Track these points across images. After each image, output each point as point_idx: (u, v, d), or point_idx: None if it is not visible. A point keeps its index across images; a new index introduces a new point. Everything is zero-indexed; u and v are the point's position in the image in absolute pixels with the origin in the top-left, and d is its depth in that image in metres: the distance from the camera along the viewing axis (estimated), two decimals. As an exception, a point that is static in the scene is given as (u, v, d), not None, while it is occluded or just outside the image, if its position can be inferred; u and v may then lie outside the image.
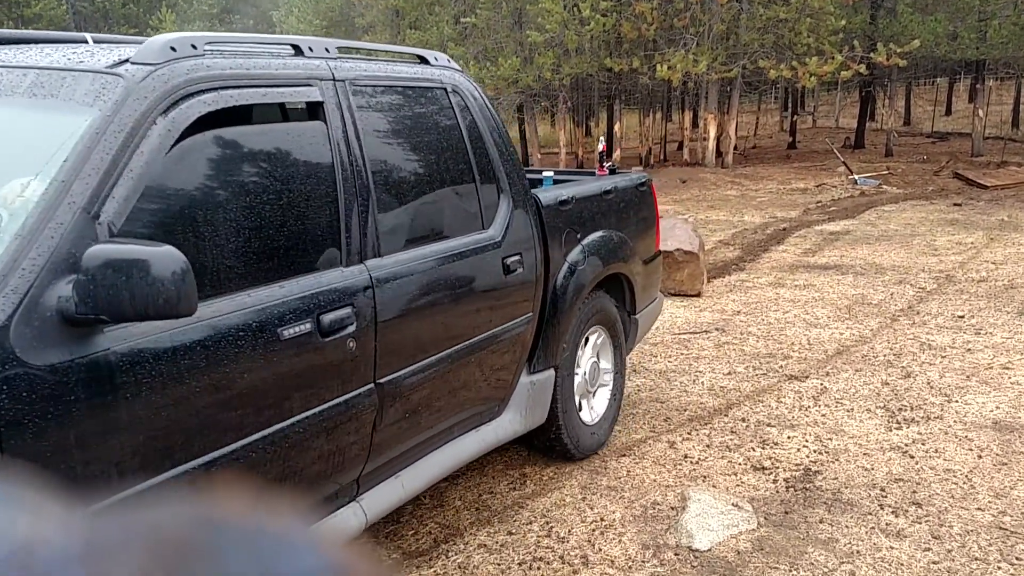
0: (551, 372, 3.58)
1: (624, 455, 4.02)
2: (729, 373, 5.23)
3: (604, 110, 23.96)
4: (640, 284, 4.28)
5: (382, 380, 2.60)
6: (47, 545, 0.29)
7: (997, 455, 3.88)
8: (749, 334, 6.10)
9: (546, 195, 3.60)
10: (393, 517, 2.91)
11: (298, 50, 2.61)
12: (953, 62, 25.60)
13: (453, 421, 3.13)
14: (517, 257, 3.24)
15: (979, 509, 3.39)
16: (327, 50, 2.68)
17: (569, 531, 3.33)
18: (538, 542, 3.26)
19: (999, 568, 2.96)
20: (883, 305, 6.82)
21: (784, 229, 11.16)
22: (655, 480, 3.75)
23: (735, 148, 20.69)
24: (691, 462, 3.93)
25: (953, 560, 3.02)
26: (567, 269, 3.60)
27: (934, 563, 3.01)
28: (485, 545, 3.23)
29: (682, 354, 5.66)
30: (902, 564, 3.01)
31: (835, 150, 19.78)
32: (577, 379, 3.86)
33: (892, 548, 3.12)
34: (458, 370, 3.00)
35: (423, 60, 3.18)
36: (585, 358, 3.94)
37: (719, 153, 19.78)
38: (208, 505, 0.33)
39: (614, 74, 19.09)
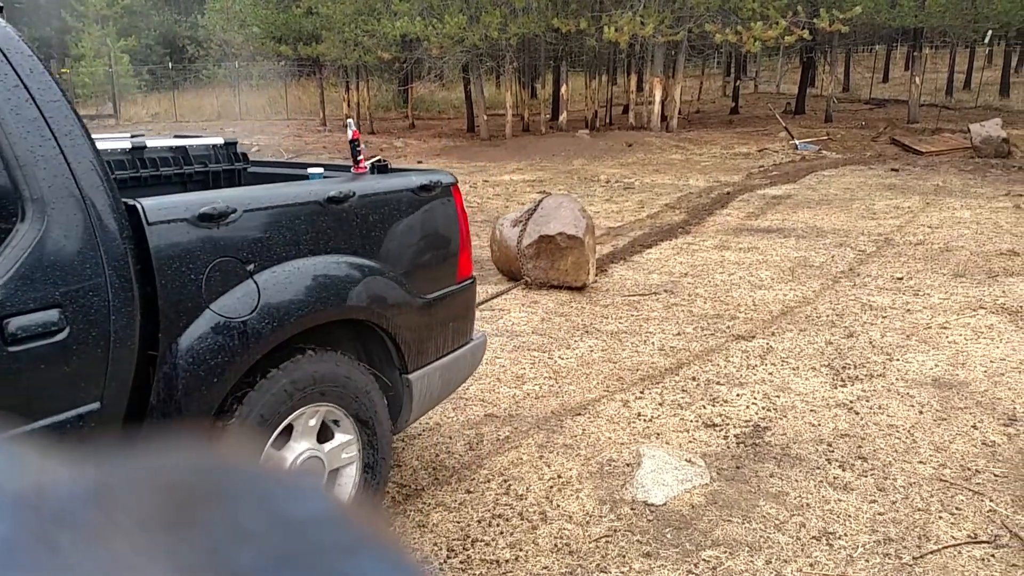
0: None
1: (579, 414, 4.06)
2: (678, 334, 5.31)
3: (550, 72, 23.85)
4: (414, 332, 3.01)
5: None
6: (57, 487, 0.29)
7: (937, 411, 4.03)
8: (697, 296, 6.20)
9: (169, 203, 2.24)
10: (352, 477, 2.88)
11: None
12: (892, 30, 26.12)
13: None
14: (49, 314, 1.91)
15: (921, 462, 3.52)
16: None
17: (527, 488, 3.36)
18: (496, 500, 3.28)
19: (940, 518, 3.09)
20: (825, 267, 6.99)
21: (728, 193, 11.33)
22: (610, 438, 3.80)
23: (679, 112, 20.84)
24: (644, 420, 3.99)
25: (897, 511, 3.14)
26: (208, 324, 2.27)
27: (880, 514, 3.12)
28: (444, 504, 3.24)
29: (632, 315, 5.72)
30: (849, 516, 3.11)
31: (777, 115, 20.08)
32: None
33: (840, 500, 3.22)
34: None
35: None
36: (293, 452, 2.62)
37: (664, 117, 19.90)
38: (214, 451, 0.33)
39: (561, 35, 18.97)
